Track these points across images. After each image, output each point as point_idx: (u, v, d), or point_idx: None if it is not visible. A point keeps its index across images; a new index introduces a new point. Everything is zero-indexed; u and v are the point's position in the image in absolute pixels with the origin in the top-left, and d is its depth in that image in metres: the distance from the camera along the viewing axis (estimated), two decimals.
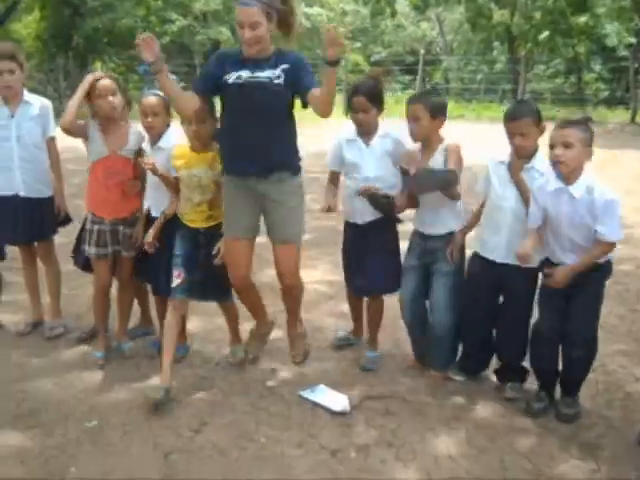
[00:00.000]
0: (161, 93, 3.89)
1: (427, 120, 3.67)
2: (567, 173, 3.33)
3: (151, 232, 3.95)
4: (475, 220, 3.93)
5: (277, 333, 4.30)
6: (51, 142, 4.48)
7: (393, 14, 20.70)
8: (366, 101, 3.78)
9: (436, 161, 3.70)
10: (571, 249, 3.42)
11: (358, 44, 33.36)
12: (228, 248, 3.67)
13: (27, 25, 29.30)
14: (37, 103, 4.41)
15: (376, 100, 3.82)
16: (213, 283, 3.86)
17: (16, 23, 28.82)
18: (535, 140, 3.55)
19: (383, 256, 3.96)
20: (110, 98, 3.97)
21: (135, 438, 3.41)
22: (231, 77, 3.39)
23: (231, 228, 3.64)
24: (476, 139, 10.51)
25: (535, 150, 3.59)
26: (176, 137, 3.98)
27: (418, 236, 3.92)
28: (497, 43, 25.72)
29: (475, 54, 27.43)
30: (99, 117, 4.04)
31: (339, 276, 4.51)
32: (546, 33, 20.02)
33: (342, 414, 3.57)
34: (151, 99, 3.93)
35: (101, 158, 4.07)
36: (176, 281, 3.76)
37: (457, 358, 4.00)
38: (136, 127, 4.17)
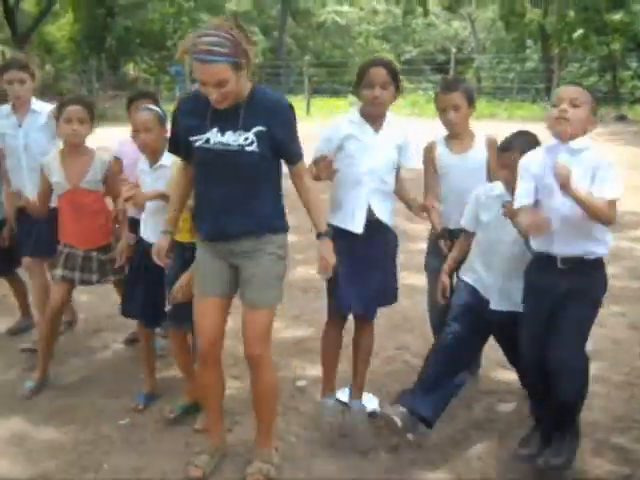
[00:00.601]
0: (155, 108, 3.59)
1: (466, 109, 3.52)
2: (568, 133, 2.85)
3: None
4: (459, 255, 3.52)
5: (307, 331, 4.30)
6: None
7: (426, 13, 20.63)
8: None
9: (478, 154, 3.59)
10: (566, 232, 2.90)
11: (388, 43, 33.32)
12: (198, 309, 3.07)
13: (61, 27, 29.74)
14: (45, 111, 4.30)
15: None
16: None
17: (49, 26, 29.27)
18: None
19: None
20: (76, 126, 3.74)
21: (166, 436, 3.44)
22: (199, 140, 2.87)
23: (201, 287, 3.06)
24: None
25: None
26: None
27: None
28: (530, 41, 25.46)
29: (507, 52, 27.17)
30: (65, 144, 3.85)
31: None
32: (580, 31, 19.77)
33: (373, 415, 3.56)
34: (143, 114, 3.50)
35: (64, 192, 3.84)
36: (167, 307, 3.42)
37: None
38: (100, 155, 3.92)
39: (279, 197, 3.02)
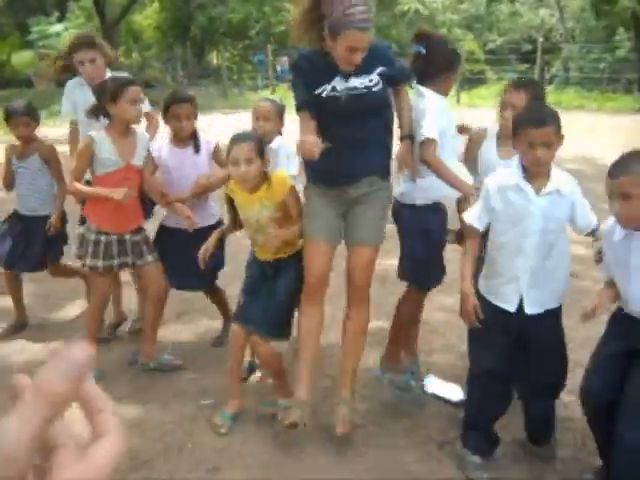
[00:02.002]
0: (276, 99, 3.98)
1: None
2: None
3: (207, 247, 3.55)
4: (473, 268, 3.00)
5: (386, 322, 4.29)
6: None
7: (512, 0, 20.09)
8: None
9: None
10: None
11: (472, 34, 32.69)
12: (308, 251, 3.31)
13: (147, 16, 30.51)
14: None
15: None
16: (268, 316, 3.33)
17: (137, 15, 30.06)
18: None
19: None
20: (139, 106, 3.76)
21: (248, 417, 3.50)
22: (324, 90, 3.10)
23: (313, 231, 3.29)
24: (595, 130, 10.10)
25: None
26: (287, 142, 3.89)
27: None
28: (621, 29, 24.49)
29: (597, 41, 26.23)
30: (116, 123, 3.71)
31: None
32: None
33: (460, 405, 3.50)
34: (264, 104, 3.88)
35: (116, 170, 3.75)
36: (238, 304, 3.58)
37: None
38: (142, 133, 3.98)
39: (390, 146, 3.31)
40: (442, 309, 4.71)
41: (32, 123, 4.34)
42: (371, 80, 3.09)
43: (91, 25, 28.26)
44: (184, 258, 3.76)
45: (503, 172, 2.92)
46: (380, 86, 3.12)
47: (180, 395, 3.74)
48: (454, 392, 3.64)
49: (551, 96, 20.81)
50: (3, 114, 4.39)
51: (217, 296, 4.42)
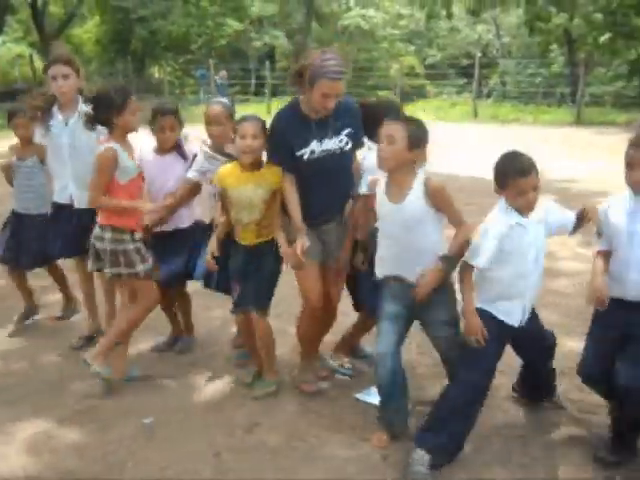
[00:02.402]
0: (224, 100, 4.12)
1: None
2: None
3: (212, 252, 3.83)
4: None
5: (327, 337, 4.33)
6: None
7: (449, 16, 20.59)
8: None
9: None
10: None
11: (413, 47, 33.25)
12: (301, 273, 3.76)
13: (87, 30, 30.10)
14: None
15: None
16: (258, 291, 3.79)
17: (77, 28, 29.65)
18: None
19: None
20: (137, 115, 3.84)
21: (190, 436, 3.48)
22: (305, 153, 3.55)
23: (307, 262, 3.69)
24: (532, 143, 10.43)
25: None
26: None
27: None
28: (555, 45, 25.29)
29: (533, 57, 27.01)
30: (119, 131, 3.79)
31: None
32: (607, 35, 19.60)
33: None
34: (216, 108, 3.97)
35: (138, 174, 3.91)
36: (234, 295, 3.86)
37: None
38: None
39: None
40: None
41: (31, 125, 4.49)
42: (341, 140, 3.59)
43: (29, 39, 27.79)
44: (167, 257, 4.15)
45: (496, 217, 3.16)
46: (349, 146, 3.61)
47: (123, 415, 3.70)
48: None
49: (488, 110, 21.37)
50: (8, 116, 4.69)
51: (184, 303, 4.56)
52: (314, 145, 3.55)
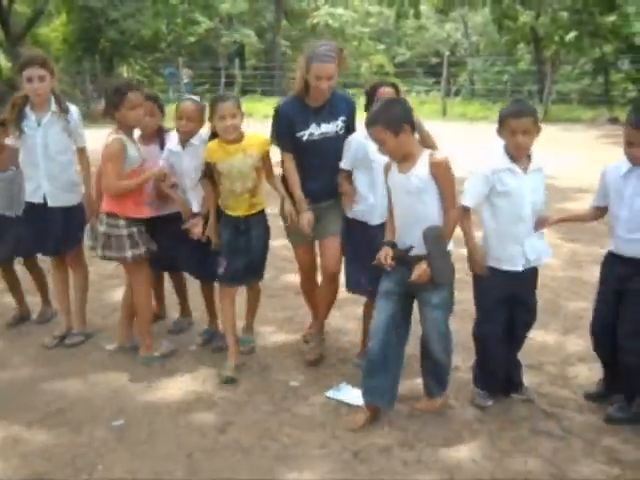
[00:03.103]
0: (196, 98, 4.29)
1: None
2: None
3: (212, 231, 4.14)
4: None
5: (298, 333, 4.35)
6: (82, 153, 4.47)
7: (417, 15, 20.64)
8: None
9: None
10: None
11: (382, 46, 33.36)
12: (298, 251, 4.31)
13: (54, 29, 29.65)
14: (74, 110, 4.36)
15: None
16: (252, 267, 4.14)
17: (43, 27, 29.18)
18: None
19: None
20: (140, 110, 4.05)
21: (160, 437, 3.46)
22: (304, 135, 3.96)
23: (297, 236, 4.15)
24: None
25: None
26: (206, 135, 4.12)
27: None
28: (522, 44, 25.55)
29: (500, 55, 27.25)
30: (122, 126, 4.02)
31: None
32: (573, 33, 19.86)
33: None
34: (188, 104, 4.13)
35: (139, 165, 4.09)
36: (220, 269, 4.08)
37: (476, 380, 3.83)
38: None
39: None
40: (355, 318, 4.78)
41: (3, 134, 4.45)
42: (337, 125, 3.99)
43: None
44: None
45: (491, 159, 3.54)
46: (343, 131, 4.00)
47: (92, 417, 3.65)
48: (357, 397, 3.68)
49: (457, 108, 21.51)
50: None
51: (178, 281, 4.81)
52: (313, 128, 3.95)
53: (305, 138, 3.96)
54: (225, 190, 4.01)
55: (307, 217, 3.94)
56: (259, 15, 33.02)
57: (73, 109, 4.38)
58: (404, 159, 3.41)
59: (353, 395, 3.77)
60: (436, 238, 3.32)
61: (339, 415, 3.64)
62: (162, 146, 4.35)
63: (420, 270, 3.33)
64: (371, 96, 3.97)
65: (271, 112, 4.13)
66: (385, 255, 3.41)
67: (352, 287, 4.14)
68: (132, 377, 4.10)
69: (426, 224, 3.33)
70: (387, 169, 3.54)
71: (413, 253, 3.40)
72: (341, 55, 3.86)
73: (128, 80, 4.18)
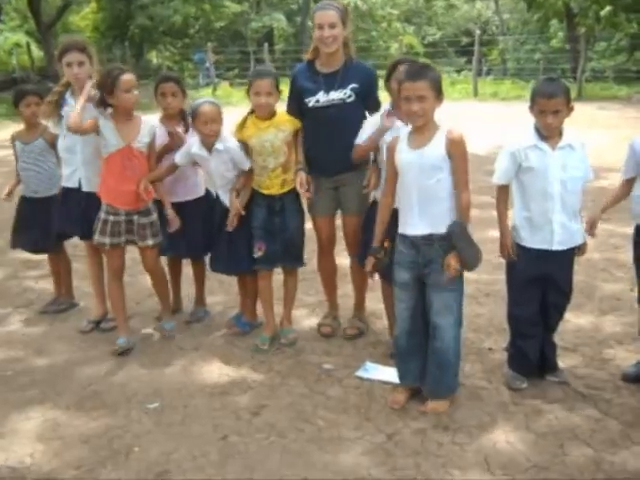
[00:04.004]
0: (215, 101, 4.30)
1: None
2: None
3: (233, 212, 4.11)
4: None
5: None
6: None
7: None
8: None
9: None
10: None
11: (412, 27, 33.00)
12: (317, 223, 4.32)
13: (84, 17, 29.88)
14: None
15: None
16: (289, 248, 4.19)
17: (73, 15, 29.43)
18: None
19: None
20: (135, 92, 4.04)
21: (195, 420, 3.49)
22: (311, 101, 4.00)
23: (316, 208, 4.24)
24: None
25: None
26: (232, 139, 4.14)
27: None
28: (555, 21, 25.05)
29: (532, 32, 26.76)
30: (118, 110, 4.07)
31: None
32: (608, 8, 19.38)
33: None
34: (208, 108, 4.06)
35: (117, 150, 4.08)
36: (258, 253, 4.13)
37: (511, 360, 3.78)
38: (147, 120, 4.24)
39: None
40: None
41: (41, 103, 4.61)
42: (345, 93, 3.95)
43: (26, 27, 27.60)
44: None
45: (519, 136, 3.54)
46: (352, 99, 3.95)
47: (128, 400, 3.70)
48: (392, 374, 3.69)
49: (489, 88, 21.19)
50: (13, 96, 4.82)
51: (199, 269, 4.76)
52: (320, 95, 3.97)
53: (311, 104, 3.99)
54: (258, 167, 4.08)
55: (299, 177, 4.01)
56: None
57: None
58: (419, 131, 3.32)
59: (387, 373, 3.78)
60: (460, 233, 3.27)
61: (373, 397, 3.64)
62: (187, 128, 4.37)
63: (450, 268, 3.27)
64: (391, 72, 3.84)
65: None
66: (370, 265, 3.57)
67: (361, 264, 3.98)
68: (166, 360, 4.14)
69: (440, 205, 3.29)
70: (392, 148, 3.43)
71: (424, 233, 3.33)
72: (346, 12, 3.93)
73: (114, 66, 4.17)
